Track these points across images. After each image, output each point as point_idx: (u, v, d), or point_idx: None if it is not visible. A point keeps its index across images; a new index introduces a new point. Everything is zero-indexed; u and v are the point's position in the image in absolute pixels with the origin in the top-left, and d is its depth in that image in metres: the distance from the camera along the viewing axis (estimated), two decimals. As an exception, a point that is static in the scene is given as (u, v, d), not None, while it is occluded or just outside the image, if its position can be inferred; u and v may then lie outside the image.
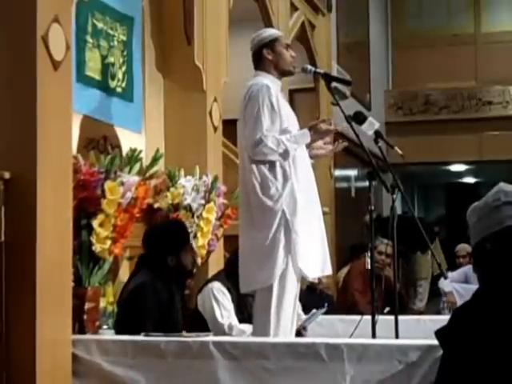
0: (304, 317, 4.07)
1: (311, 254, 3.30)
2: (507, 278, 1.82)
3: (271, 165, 3.29)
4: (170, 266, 3.47)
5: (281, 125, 3.32)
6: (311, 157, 3.55)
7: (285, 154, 3.27)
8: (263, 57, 3.45)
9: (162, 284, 3.39)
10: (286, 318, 3.25)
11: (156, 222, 3.85)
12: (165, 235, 3.56)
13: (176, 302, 3.46)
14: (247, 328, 3.64)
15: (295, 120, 3.48)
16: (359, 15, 10.26)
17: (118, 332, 3.26)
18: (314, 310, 4.04)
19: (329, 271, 3.43)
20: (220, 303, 3.80)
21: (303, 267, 3.26)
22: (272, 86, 3.36)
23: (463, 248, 6.93)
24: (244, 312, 3.83)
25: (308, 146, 3.48)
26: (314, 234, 3.34)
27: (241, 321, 3.81)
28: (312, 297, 5.32)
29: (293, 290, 3.28)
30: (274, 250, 3.22)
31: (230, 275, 3.85)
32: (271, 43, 3.45)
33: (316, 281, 5.19)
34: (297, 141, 3.32)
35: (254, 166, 3.28)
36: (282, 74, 3.49)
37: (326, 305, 4.76)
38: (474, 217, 1.93)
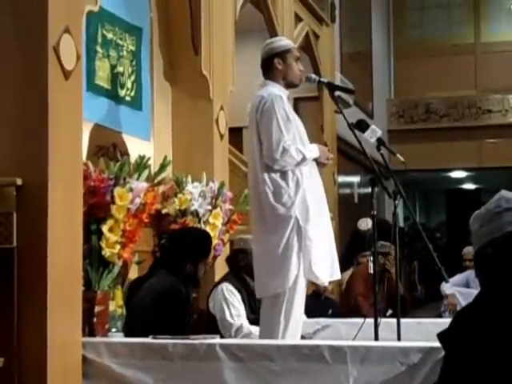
0: (307, 320, 4.08)
1: (323, 258, 3.34)
2: (508, 282, 1.83)
3: (283, 173, 3.33)
4: (186, 272, 3.52)
5: (294, 134, 3.37)
6: None
7: (302, 162, 3.33)
8: (273, 66, 3.46)
9: (182, 286, 3.43)
10: (294, 322, 3.29)
11: (184, 227, 3.89)
12: (192, 242, 3.61)
13: (192, 305, 3.53)
14: (256, 330, 3.66)
15: (303, 128, 3.52)
16: (362, 26, 10.33)
17: (147, 332, 3.09)
18: (320, 327, 4.00)
19: (337, 276, 3.47)
20: (229, 303, 3.83)
21: (317, 271, 3.30)
22: (283, 95, 3.40)
23: (469, 251, 6.94)
24: (255, 312, 3.82)
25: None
26: (323, 239, 3.38)
27: (253, 321, 3.82)
28: (317, 302, 5.35)
29: (302, 294, 3.33)
30: (287, 256, 3.26)
31: (237, 275, 3.89)
32: (283, 53, 3.46)
33: (326, 284, 5.20)
34: (311, 151, 3.39)
35: (266, 175, 3.32)
36: (288, 85, 3.51)
37: (329, 311, 4.79)
38: (476, 223, 1.94)
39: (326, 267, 3.37)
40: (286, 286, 3.25)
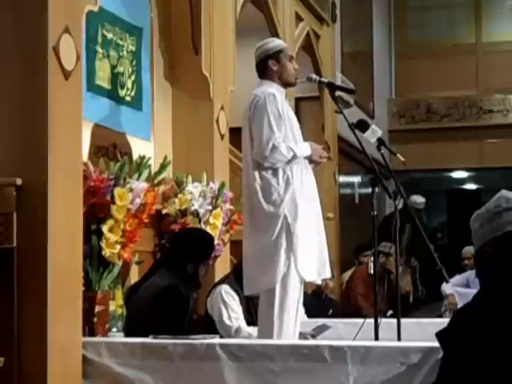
0: (307, 320, 4.08)
1: (310, 257, 3.34)
2: (507, 281, 1.85)
3: (274, 170, 3.34)
4: (186, 273, 3.53)
5: (286, 132, 3.37)
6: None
7: (292, 160, 3.33)
8: (268, 67, 3.48)
9: (181, 286, 3.44)
10: (288, 321, 3.29)
11: (188, 227, 3.90)
12: (194, 243, 3.62)
13: (191, 306, 3.53)
14: (254, 331, 3.65)
15: (298, 127, 3.52)
16: (363, 26, 10.32)
17: (146, 330, 3.12)
18: (323, 324, 3.96)
19: (326, 275, 3.47)
20: (228, 305, 3.83)
21: (302, 270, 3.30)
22: (277, 94, 3.41)
23: (468, 250, 6.96)
24: (253, 315, 3.83)
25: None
26: (313, 238, 3.38)
27: (250, 323, 3.83)
28: (317, 301, 5.34)
29: (295, 292, 3.32)
30: (275, 253, 3.27)
31: (238, 278, 3.90)
32: (276, 55, 3.49)
33: (323, 284, 5.20)
34: (303, 149, 3.39)
35: (256, 173, 3.33)
36: (285, 84, 3.53)
37: (330, 311, 4.77)
38: (477, 223, 1.97)
39: (314, 266, 3.36)
40: (274, 283, 3.26)
